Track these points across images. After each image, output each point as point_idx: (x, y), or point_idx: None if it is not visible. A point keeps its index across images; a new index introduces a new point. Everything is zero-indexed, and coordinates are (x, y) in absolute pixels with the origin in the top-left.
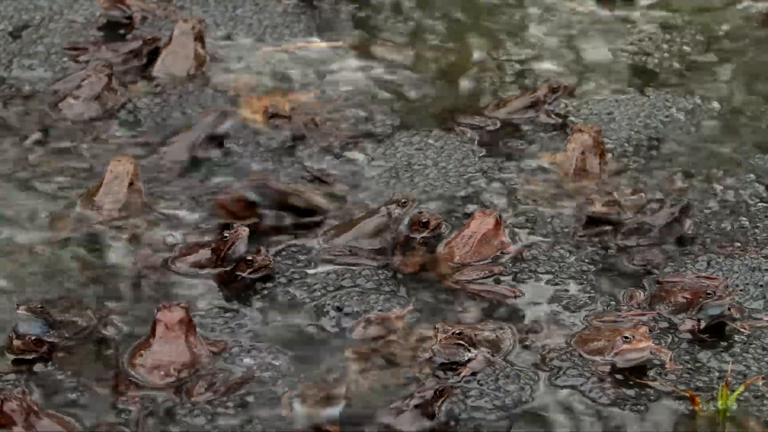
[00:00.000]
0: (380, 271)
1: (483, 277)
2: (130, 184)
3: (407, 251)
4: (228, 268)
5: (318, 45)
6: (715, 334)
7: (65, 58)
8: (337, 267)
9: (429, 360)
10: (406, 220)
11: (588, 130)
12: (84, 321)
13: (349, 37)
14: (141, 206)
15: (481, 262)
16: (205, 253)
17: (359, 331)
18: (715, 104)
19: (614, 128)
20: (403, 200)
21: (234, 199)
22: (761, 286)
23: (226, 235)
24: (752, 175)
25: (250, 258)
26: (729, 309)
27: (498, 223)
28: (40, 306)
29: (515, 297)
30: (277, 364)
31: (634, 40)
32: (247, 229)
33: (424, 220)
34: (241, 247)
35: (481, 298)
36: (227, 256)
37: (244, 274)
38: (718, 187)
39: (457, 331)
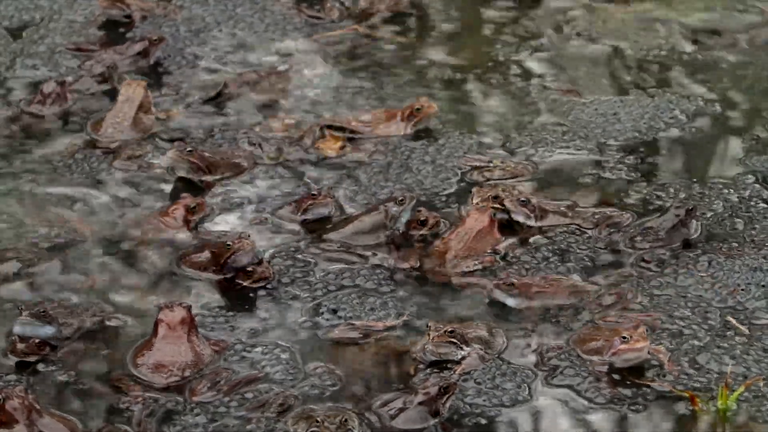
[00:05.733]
0: (378, 271)
1: (472, 271)
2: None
3: (404, 249)
4: (228, 276)
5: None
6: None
7: (68, 56)
8: (337, 266)
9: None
10: (404, 218)
11: None
12: (86, 322)
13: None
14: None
15: (474, 259)
16: (207, 255)
17: (339, 332)
18: (717, 107)
19: (619, 129)
20: (400, 198)
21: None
22: (763, 286)
23: (229, 243)
24: (751, 177)
25: (250, 269)
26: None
27: (492, 221)
28: (42, 310)
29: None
30: (278, 363)
31: (640, 41)
32: (253, 242)
33: (422, 219)
34: (243, 259)
35: (471, 295)
36: (227, 264)
37: (244, 283)
38: (719, 189)
39: (449, 329)
